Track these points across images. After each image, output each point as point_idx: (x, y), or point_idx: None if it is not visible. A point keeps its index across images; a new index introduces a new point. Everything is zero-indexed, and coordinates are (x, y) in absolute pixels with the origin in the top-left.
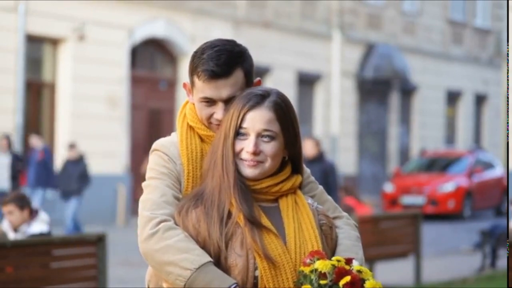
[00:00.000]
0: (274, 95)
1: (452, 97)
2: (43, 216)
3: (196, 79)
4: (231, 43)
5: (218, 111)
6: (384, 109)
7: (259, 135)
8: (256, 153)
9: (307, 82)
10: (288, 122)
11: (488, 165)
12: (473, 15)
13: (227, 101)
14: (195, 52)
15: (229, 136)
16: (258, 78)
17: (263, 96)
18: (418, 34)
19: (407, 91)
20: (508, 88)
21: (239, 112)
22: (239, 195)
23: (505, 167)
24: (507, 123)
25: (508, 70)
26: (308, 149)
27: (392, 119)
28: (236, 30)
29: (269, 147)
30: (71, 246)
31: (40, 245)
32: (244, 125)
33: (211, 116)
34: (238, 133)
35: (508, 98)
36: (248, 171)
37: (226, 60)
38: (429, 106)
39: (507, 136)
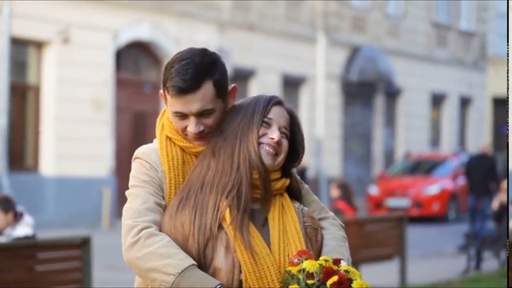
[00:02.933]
0: (288, 104)
1: (437, 100)
2: (27, 219)
3: (167, 94)
4: (201, 54)
5: (191, 125)
6: (368, 111)
7: (280, 129)
8: (279, 143)
9: (292, 84)
10: (298, 128)
11: None
12: (458, 18)
13: (199, 115)
14: (167, 64)
15: (253, 120)
16: (233, 85)
17: (281, 101)
18: (403, 36)
19: (392, 93)
20: (508, 88)
21: (266, 102)
22: (245, 188)
23: (505, 167)
24: (507, 123)
25: (508, 70)
26: None
27: (377, 122)
28: (220, 33)
29: (284, 143)
30: (55, 249)
31: (25, 248)
32: (270, 115)
33: (185, 128)
34: (263, 120)
35: (508, 98)
36: (268, 158)
37: (193, 75)
38: (413, 109)
39: (507, 136)
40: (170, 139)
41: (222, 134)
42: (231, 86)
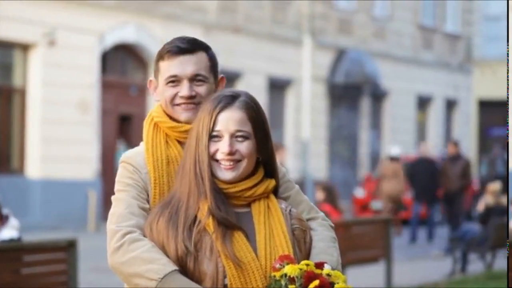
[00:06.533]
0: (244, 95)
1: (423, 102)
2: (13, 222)
3: (161, 63)
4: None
5: (183, 89)
6: (355, 114)
7: (232, 136)
8: (232, 153)
9: (278, 87)
10: (259, 122)
11: None
12: (444, 20)
13: (192, 80)
14: (160, 49)
15: (202, 139)
16: (221, 75)
17: (233, 97)
18: (389, 39)
19: (378, 96)
20: (508, 88)
21: (210, 114)
22: (215, 199)
23: (505, 167)
24: (507, 122)
25: (508, 70)
26: (280, 157)
27: (363, 124)
28: (207, 35)
29: (243, 147)
30: (41, 252)
31: (10, 251)
32: (217, 127)
33: (175, 96)
34: (211, 135)
35: (508, 98)
36: (225, 173)
37: (191, 40)
38: (399, 111)
39: (507, 136)
40: (157, 129)
41: (187, 148)
42: (220, 76)
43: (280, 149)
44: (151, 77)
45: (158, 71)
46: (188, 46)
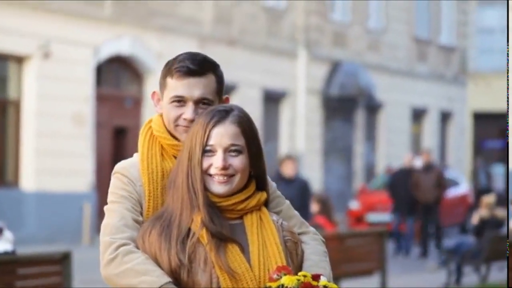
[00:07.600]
0: (237, 110)
1: (417, 114)
2: (7, 235)
3: (169, 79)
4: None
5: (188, 111)
6: (349, 126)
7: (226, 151)
8: (225, 167)
9: (272, 99)
10: (252, 136)
11: (453, 182)
12: (438, 33)
13: (197, 103)
14: (168, 61)
15: (195, 154)
16: (226, 96)
17: (227, 112)
18: (383, 51)
19: (373, 108)
20: (507, 89)
21: (204, 129)
22: (208, 213)
23: (488, 179)
24: (507, 123)
25: (507, 70)
26: (290, 168)
27: (357, 137)
28: (201, 47)
29: (237, 161)
30: (36, 264)
31: (5, 264)
32: (211, 142)
33: (179, 117)
34: (205, 150)
35: (507, 98)
36: (219, 187)
37: (202, 61)
38: (394, 123)
39: (507, 135)
40: (154, 142)
41: (179, 162)
42: (224, 96)
43: (291, 160)
44: (155, 89)
45: (165, 87)
46: (198, 68)
